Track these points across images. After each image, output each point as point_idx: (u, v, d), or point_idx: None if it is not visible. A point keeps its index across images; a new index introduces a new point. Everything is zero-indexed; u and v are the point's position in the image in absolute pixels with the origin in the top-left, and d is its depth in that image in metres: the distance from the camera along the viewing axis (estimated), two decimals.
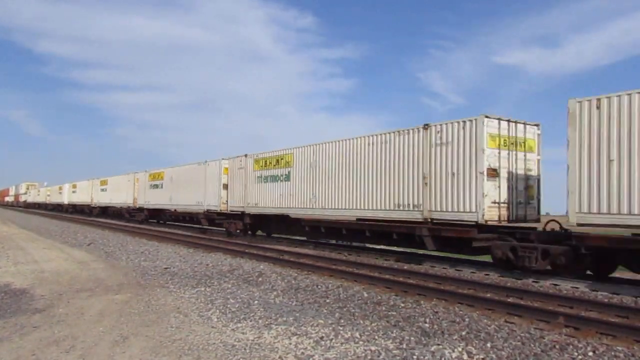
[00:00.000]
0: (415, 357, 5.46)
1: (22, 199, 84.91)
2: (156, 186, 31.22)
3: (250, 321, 7.06)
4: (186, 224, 29.37)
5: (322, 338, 6.19)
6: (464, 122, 12.27)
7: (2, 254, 15.42)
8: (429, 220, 12.99)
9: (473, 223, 11.90)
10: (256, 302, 8.38)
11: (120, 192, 38.15)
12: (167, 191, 29.45)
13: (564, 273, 10.87)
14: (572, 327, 6.72)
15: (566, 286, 9.90)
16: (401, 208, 13.73)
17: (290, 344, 5.97)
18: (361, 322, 7.07)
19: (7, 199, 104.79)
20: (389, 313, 7.62)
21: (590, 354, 5.63)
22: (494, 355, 5.55)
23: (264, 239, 20.74)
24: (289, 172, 18.47)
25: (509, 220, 12.28)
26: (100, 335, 6.34)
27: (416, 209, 13.28)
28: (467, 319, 7.18)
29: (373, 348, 5.79)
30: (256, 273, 11.55)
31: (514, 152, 12.54)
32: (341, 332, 6.49)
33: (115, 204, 39.04)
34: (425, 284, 9.95)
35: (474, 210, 11.89)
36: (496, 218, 11.99)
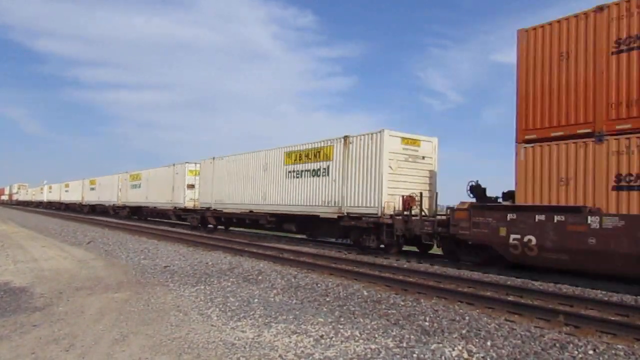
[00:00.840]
0: (415, 355, 5.45)
1: (15, 197, 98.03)
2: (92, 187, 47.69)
3: (250, 319, 7.05)
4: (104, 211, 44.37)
5: (322, 336, 6.19)
6: (181, 164, 28.40)
7: (1, 252, 15.40)
8: (175, 207, 28.85)
9: (182, 207, 27.88)
10: (256, 300, 8.37)
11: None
12: (97, 191, 45.49)
13: (208, 227, 25.74)
14: (572, 325, 6.73)
15: (566, 284, 9.91)
16: (168, 201, 29.74)
17: (290, 342, 5.97)
18: (361, 320, 7.07)
19: (2, 197, 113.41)
20: (389, 311, 7.62)
21: (591, 352, 5.63)
22: (494, 354, 5.54)
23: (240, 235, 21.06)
24: (140, 183, 35.27)
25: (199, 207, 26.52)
26: (100, 333, 6.34)
27: (171, 201, 29.35)
28: (467, 318, 7.18)
29: (373, 346, 5.78)
30: (256, 271, 11.54)
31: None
32: (341, 330, 6.48)
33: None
34: (425, 283, 9.96)
35: (182, 202, 27.90)
36: (192, 206, 27.00)
